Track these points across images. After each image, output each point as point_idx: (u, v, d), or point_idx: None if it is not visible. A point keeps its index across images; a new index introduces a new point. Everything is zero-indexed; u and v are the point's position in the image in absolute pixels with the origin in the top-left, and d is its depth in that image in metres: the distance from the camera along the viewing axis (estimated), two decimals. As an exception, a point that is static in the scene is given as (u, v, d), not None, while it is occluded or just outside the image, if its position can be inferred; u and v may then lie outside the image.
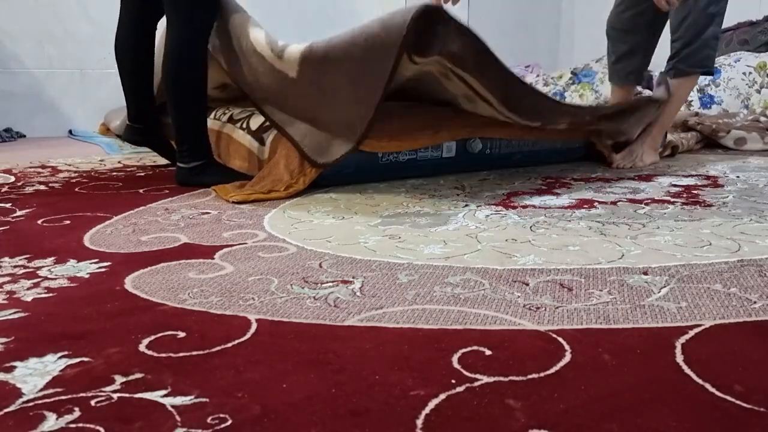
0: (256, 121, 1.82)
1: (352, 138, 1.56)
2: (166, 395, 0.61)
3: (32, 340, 0.74)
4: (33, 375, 0.66)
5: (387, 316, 0.81)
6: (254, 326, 0.78)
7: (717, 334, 0.74)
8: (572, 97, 3.23)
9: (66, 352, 0.71)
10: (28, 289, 0.92)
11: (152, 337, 0.75)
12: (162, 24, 1.80)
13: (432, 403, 0.59)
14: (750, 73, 2.90)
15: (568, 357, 0.69)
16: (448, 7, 1.77)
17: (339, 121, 1.61)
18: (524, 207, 1.44)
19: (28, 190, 1.69)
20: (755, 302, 0.84)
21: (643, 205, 1.44)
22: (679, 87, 2.06)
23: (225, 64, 1.80)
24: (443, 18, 1.37)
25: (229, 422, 0.57)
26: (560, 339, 0.73)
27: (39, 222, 1.33)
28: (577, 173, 1.91)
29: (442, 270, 0.99)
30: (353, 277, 0.96)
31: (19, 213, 1.41)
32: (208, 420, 0.57)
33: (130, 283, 0.95)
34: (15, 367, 0.68)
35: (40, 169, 2.03)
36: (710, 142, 2.50)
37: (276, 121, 1.68)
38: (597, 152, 2.08)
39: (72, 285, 0.94)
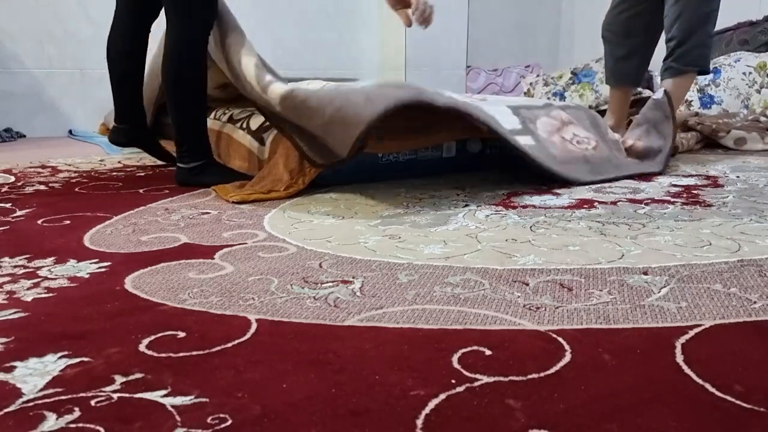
0: (256, 121, 1.82)
1: (349, 143, 1.57)
2: (166, 395, 0.61)
3: (32, 340, 0.74)
4: (33, 375, 0.66)
5: (387, 316, 0.81)
6: (254, 326, 0.78)
7: (717, 334, 0.74)
8: (572, 97, 3.23)
9: (66, 352, 0.71)
10: (28, 289, 0.92)
11: (152, 337, 0.75)
12: (159, 27, 1.80)
13: (432, 403, 0.59)
14: (750, 73, 2.90)
15: (568, 357, 0.69)
16: (417, 30, 1.77)
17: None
18: (524, 207, 1.44)
19: (28, 190, 1.69)
20: (755, 302, 0.84)
21: (643, 205, 1.44)
22: (676, 86, 2.06)
23: (229, 75, 1.81)
24: (427, 107, 1.42)
25: (229, 422, 0.57)
26: (560, 339, 0.73)
27: (39, 222, 1.33)
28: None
29: (442, 270, 0.99)
30: (353, 277, 0.96)
31: (19, 213, 1.41)
32: (208, 420, 0.57)
33: (130, 283, 0.95)
34: (15, 367, 0.68)
35: (40, 169, 2.03)
36: (710, 142, 2.50)
37: (275, 122, 1.69)
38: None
39: (72, 285, 0.94)
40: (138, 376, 0.65)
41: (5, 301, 0.87)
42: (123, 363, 0.68)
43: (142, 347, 0.72)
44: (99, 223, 1.32)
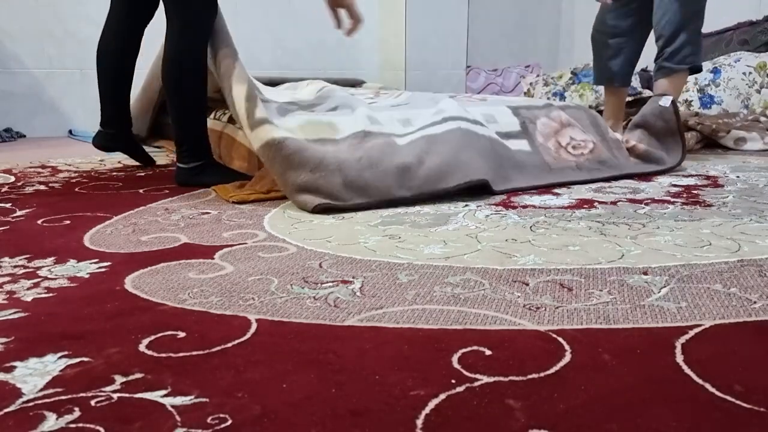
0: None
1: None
2: (166, 395, 0.61)
3: (32, 340, 0.74)
4: (33, 375, 0.66)
5: (387, 316, 0.81)
6: (254, 326, 0.78)
7: (717, 334, 0.74)
8: (572, 97, 3.23)
9: (66, 352, 0.71)
10: (28, 289, 0.92)
11: (152, 337, 0.75)
12: (157, 29, 1.79)
13: (432, 403, 0.59)
14: (750, 73, 2.90)
15: (568, 357, 0.69)
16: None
17: None
18: (524, 207, 1.44)
19: (28, 190, 1.69)
20: (755, 302, 0.84)
21: (643, 205, 1.44)
22: (669, 86, 2.07)
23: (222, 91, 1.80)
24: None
25: (229, 422, 0.57)
26: (560, 339, 0.73)
27: (39, 222, 1.33)
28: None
29: (442, 270, 0.99)
30: (353, 277, 0.96)
31: (19, 213, 1.41)
32: (208, 420, 0.57)
33: (130, 283, 0.95)
34: (15, 367, 0.68)
35: (40, 169, 2.03)
36: (710, 142, 2.50)
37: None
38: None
39: (72, 285, 0.94)
40: (138, 376, 0.65)
41: (5, 301, 0.87)
42: (123, 363, 0.68)
43: (142, 347, 0.72)
44: (99, 223, 1.32)
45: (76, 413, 0.58)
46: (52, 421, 0.57)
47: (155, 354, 0.70)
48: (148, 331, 0.77)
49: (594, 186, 1.69)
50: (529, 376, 0.64)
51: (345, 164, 1.48)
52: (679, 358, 0.68)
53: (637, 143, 1.96)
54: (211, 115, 2.03)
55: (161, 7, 1.75)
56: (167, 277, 0.97)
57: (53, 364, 0.68)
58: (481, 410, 0.58)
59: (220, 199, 1.55)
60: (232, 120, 1.93)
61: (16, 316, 0.82)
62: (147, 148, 2.19)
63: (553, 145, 1.85)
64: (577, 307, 0.83)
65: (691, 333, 0.74)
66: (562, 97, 3.27)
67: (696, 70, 2.11)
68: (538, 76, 3.58)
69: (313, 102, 1.88)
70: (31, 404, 0.60)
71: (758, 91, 2.87)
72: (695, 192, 1.59)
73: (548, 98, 3.23)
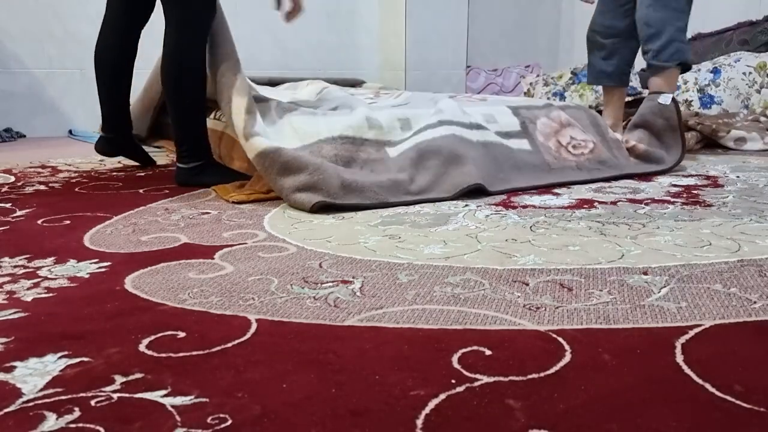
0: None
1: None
2: (166, 395, 0.61)
3: (32, 340, 0.74)
4: (33, 375, 0.66)
5: (387, 316, 0.81)
6: (254, 326, 0.78)
7: (717, 334, 0.74)
8: (572, 97, 3.23)
9: (66, 352, 0.71)
10: (28, 289, 0.92)
11: (152, 337, 0.75)
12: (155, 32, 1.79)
13: (432, 403, 0.59)
14: (750, 73, 2.90)
15: (568, 357, 0.69)
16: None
17: None
18: (524, 207, 1.44)
19: (28, 190, 1.69)
20: (755, 302, 0.84)
21: (643, 205, 1.44)
22: (663, 83, 2.09)
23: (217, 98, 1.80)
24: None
25: (229, 422, 0.57)
26: (560, 339, 0.73)
27: (39, 222, 1.33)
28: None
29: (442, 270, 0.99)
30: (353, 277, 0.96)
31: (19, 213, 1.41)
32: (208, 420, 0.57)
33: (130, 283, 0.95)
34: (15, 367, 0.68)
35: (40, 169, 2.03)
36: (710, 142, 2.50)
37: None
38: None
39: (72, 285, 0.94)
40: (138, 376, 0.65)
41: (5, 301, 0.87)
42: (123, 363, 0.68)
43: (142, 347, 0.72)
44: (99, 223, 1.32)
45: (76, 413, 0.58)
46: (52, 421, 0.57)
47: (155, 354, 0.70)
48: (148, 331, 0.77)
49: (594, 186, 1.69)
50: (529, 376, 0.64)
51: (340, 169, 1.49)
52: (679, 358, 0.68)
53: (637, 143, 1.96)
54: (211, 115, 2.03)
55: (160, 8, 1.74)
56: (167, 277, 0.97)
57: (53, 364, 0.68)
58: (481, 410, 0.58)
59: (220, 199, 1.55)
60: (232, 120, 1.93)
61: (16, 316, 0.82)
62: (147, 148, 2.19)
63: (553, 145, 1.85)
64: (577, 307, 0.83)
65: (691, 333, 0.74)
66: (562, 97, 3.27)
67: (686, 67, 2.12)
68: (538, 76, 3.58)
69: (314, 104, 1.89)
70: (31, 404, 0.60)
71: (758, 91, 2.87)
72: (695, 192, 1.59)
73: (548, 98, 3.23)
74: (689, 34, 3.40)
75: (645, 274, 0.96)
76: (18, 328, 0.78)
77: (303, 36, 3.68)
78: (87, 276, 0.98)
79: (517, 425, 0.56)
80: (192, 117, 1.72)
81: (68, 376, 0.65)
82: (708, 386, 0.62)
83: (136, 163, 2.10)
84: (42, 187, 1.72)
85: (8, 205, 1.49)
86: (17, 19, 3.03)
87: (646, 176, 1.84)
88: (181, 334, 0.75)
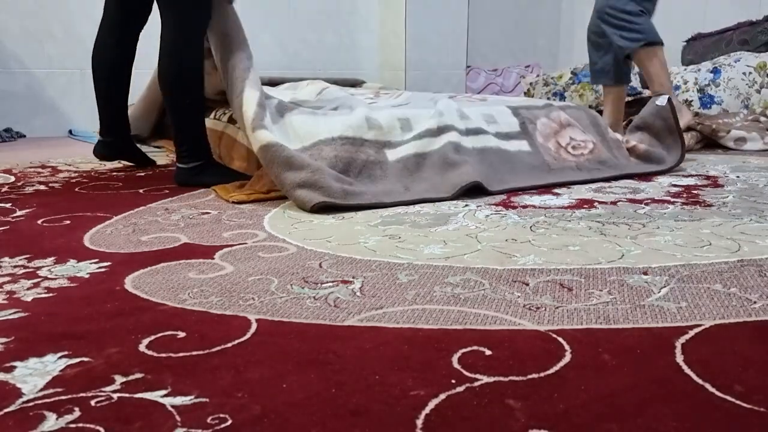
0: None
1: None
2: (166, 395, 0.61)
3: (32, 340, 0.74)
4: (33, 375, 0.66)
5: (387, 316, 0.81)
6: (254, 326, 0.78)
7: (717, 334, 0.74)
8: (572, 97, 3.23)
9: (66, 352, 0.71)
10: (28, 289, 0.92)
11: (152, 337, 0.75)
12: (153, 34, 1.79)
13: (432, 403, 0.59)
14: (750, 73, 2.90)
15: (568, 357, 0.69)
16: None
17: None
18: (524, 207, 1.44)
19: (28, 190, 1.69)
20: (755, 302, 0.84)
21: (643, 205, 1.44)
22: (641, 63, 2.25)
23: (226, 90, 1.79)
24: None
25: (229, 422, 0.57)
26: (560, 339, 0.73)
27: (39, 222, 1.33)
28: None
29: (442, 270, 0.99)
30: (353, 277, 0.96)
31: (19, 213, 1.41)
32: (208, 420, 0.57)
33: (130, 283, 0.95)
34: (15, 367, 0.68)
35: (40, 169, 2.03)
36: (710, 142, 2.50)
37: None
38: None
39: (72, 285, 0.94)
40: (138, 376, 0.65)
41: (5, 301, 0.87)
42: (123, 363, 0.68)
43: (142, 347, 0.72)
44: (99, 223, 1.32)
45: (76, 413, 0.58)
46: (52, 421, 0.57)
47: (155, 354, 0.70)
48: (148, 331, 0.77)
49: (594, 186, 1.69)
50: (529, 376, 0.64)
51: (339, 178, 1.50)
52: (679, 358, 0.68)
53: (637, 143, 1.96)
54: (211, 115, 2.03)
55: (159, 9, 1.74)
56: (167, 277, 0.97)
57: (53, 364, 0.68)
58: (481, 410, 0.58)
59: (220, 199, 1.55)
60: (232, 120, 1.93)
61: (16, 316, 0.82)
62: (147, 148, 2.19)
63: (553, 146, 1.85)
64: (577, 307, 0.83)
65: (691, 333, 0.74)
66: (562, 97, 3.27)
67: (651, 42, 2.22)
68: (538, 76, 3.58)
69: (314, 105, 1.89)
70: (31, 404, 0.60)
71: (758, 91, 2.87)
72: (695, 192, 1.59)
73: (548, 98, 3.23)
74: (689, 34, 3.40)
75: (645, 274, 0.96)
76: (18, 328, 0.78)
77: (303, 36, 3.68)
78: (87, 276, 0.98)
79: (517, 425, 0.56)
80: (191, 117, 1.72)
81: (68, 376, 0.65)
82: (708, 386, 0.62)
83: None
84: (42, 187, 1.72)
85: (8, 205, 1.49)
86: (17, 19, 3.03)
87: (646, 176, 1.84)
88: (181, 334, 0.75)
